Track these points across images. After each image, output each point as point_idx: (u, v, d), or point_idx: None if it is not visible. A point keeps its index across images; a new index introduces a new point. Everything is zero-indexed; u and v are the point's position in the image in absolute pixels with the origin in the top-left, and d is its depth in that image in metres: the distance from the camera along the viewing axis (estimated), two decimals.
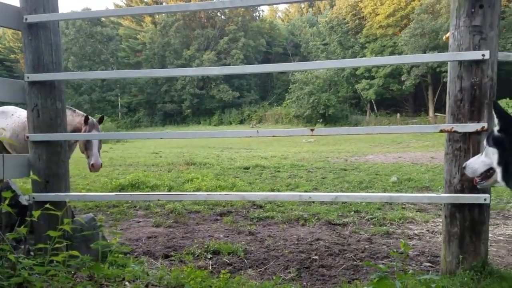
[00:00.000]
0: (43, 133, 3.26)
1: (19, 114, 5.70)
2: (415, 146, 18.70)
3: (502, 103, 23.41)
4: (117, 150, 19.18)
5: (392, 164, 11.46)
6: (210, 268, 3.62)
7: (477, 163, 2.28)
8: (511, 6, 34.87)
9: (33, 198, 3.19)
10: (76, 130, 5.20)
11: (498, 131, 2.09)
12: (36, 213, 2.26)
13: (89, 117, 5.19)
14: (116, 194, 4.27)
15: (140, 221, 5.40)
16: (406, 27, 39.16)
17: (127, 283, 2.51)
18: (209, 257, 3.94)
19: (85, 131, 5.13)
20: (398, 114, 42.02)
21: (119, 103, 51.05)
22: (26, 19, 3.18)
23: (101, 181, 8.57)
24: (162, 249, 4.24)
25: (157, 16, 55.20)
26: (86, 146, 5.20)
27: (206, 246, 4.18)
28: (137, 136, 3.96)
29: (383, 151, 16.28)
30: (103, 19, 51.88)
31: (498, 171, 2.08)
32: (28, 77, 3.21)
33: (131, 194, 3.82)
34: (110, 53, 51.82)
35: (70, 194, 3.27)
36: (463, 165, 2.39)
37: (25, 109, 4.05)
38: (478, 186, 2.39)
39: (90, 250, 2.91)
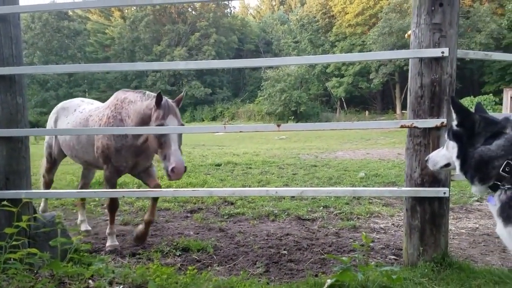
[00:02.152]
0: (3, 129, 3.14)
1: (83, 109, 4.64)
2: (383, 142, 19.11)
3: (466, 101, 24.21)
4: None
5: (360, 160, 11.68)
6: (179, 265, 3.61)
7: (438, 156, 2.34)
8: (476, 6, 36.09)
9: None
10: (146, 118, 3.84)
11: (457, 125, 2.14)
12: None
13: (163, 96, 3.71)
14: (78, 191, 4.14)
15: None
16: (375, 26, 39.89)
17: (90, 281, 2.47)
18: (178, 254, 3.92)
19: (157, 119, 3.66)
20: (367, 112, 42.86)
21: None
22: None
23: (67, 179, 8.35)
24: (130, 247, 4.20)
25: (126, 11, 54.12)
26: (161, 142, 3.64)
27: (175, 244, 4.16)
28: (102, 131, 3.87)
29: (352, 148, 16.56)
30: (70, 13, 50.41)
31: (457, 164, 2.14)
32: None
33: (94, 191, 3.73)
34: (77, 48, 50.42)
35: (30, 191, 3.17)
36: (426, 158, 2.45)
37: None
38: (433, 169, 2.46)
39: (54, 248, 2.84)
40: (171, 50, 50.00)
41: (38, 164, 11.15)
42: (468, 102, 23.94)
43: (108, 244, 4.17)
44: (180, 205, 6.02)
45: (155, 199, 4.23)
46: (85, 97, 48.94)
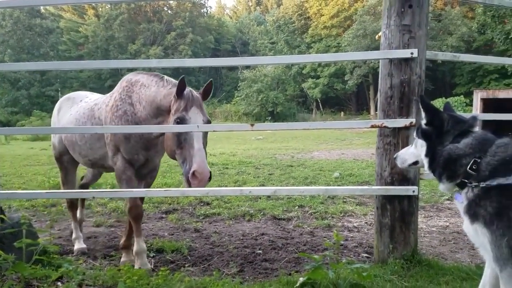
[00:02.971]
0: None
1: (89, 99, 4.06)
2: (357, 143, 19.38)
3: (438, 102, 24.79)
4: None
5: (336, 160, 11.82)
6: (152, 266, 3.57)
7: (407, 154, 2.38)
8: (447, 9, 37.02)
9: None
10: (162, 109, 3.24)
11: (426, 124, 2.17)
12: None
13: (186, 86, 3.10)
14: (47, 192, 3.99)
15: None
16: (349, 28, 40.40)
17: (59, 283, 2.41)
18: (151, 256, 3.88)
19: (177, 111, 3.05)
20: (342, 113, 43.41)
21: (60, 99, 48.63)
22: None
23: (38, 180, 8.17)
24: (102, 249, 4.14)
25: (100, 9, 53.19)
26: (181, 140, 3.00)
27: (149, 245, 4.11)
28: (73, 130, 3.79)
29: (328, 148, 16.74)
30: (42, 10, 49.18)
31: (425, 162, 2.17)
32: None
33: (63, 192, 3.63)
34: (50, 46, 49.16)
35: None
36: (395, 156, 2.48)
37: None
38: (402, 167, 2.48)
39: (21, 250, 2.77)
40: (147, 49, 49.41)
41: (8, 164, 10.88)
42: (440, 103, 24.46)
43: (137, 264, 3.47)
44: (155, 206, 5.95)
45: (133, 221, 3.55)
46: (58, 96, 47.75)
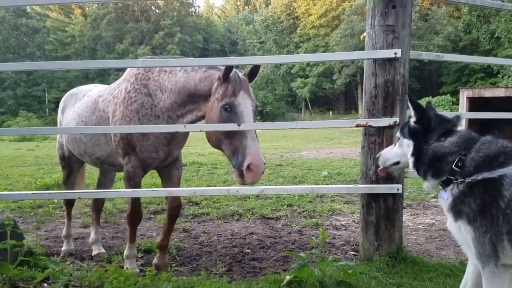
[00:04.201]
0: None
1: (91, 93, 3.77)
2: (346, 142, 19.51)
3: (425, 101, 25.03)
4: (43, 148, 18.13)
5: (324, 159, 11.89)
6: (140, 267, 3.56)
7: (390, 154, 2.37)
8: (433, 9, 37.45)
9: None
10: (197, 95, 2.94)
11: (415, 122, 2.17)
12: None
13: (234, 68, 2.82)
14: (33, 193, 3.96)
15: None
16: (337, 28, 40.64)
17: (45, 284, 2.40)
18: (139, 256, 3.87)
19: (225, 96, 2.77)
20: (331, 112, 43.66)
21: (47, 99, 48.00)
22: None
23: (24, 181, 8.08)
24: (90, 250, 4.10)
25: (87, 8, 52.72)
26: (230, 131, 2.78)
27: (137, 246, 4.08)
28: (54, 131, 3.76)
29: (317, 147, 16.83)
30: (28, 10, 48.57)
31: (411, 161, 2.18)
32: None
33: (49, 193, 3.59)
34: (36, 46, 48.58)
35: None
36: (377, 155, 2.49)
37: None
38: (383, 166, 2.45)
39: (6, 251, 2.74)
40: (134, 49, 49.10)
41: None
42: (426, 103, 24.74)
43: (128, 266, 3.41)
44: (143, 206, 5.91)
45: (172, 219, 3.48)
46: (44, 96, 46.90)
